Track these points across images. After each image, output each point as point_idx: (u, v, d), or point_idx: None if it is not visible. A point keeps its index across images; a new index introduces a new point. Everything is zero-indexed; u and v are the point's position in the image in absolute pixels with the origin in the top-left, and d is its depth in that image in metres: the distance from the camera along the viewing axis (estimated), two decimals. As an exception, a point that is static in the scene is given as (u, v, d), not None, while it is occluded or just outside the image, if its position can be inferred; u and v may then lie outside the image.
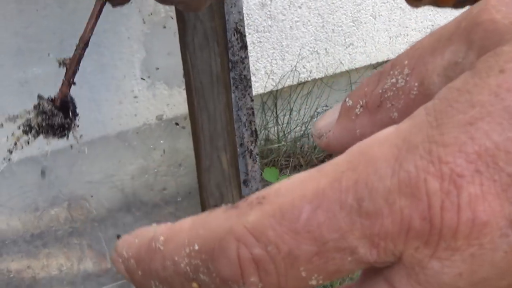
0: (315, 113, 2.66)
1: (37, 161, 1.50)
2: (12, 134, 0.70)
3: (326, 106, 2.71)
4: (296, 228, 0.28)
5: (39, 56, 1.39)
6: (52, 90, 1.45)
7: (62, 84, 0.67)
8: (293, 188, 0.30)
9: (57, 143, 1.53)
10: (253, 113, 1.39)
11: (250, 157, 1.39)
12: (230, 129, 1.40)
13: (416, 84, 0.32)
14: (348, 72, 2.71)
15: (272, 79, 2.30)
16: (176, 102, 1.60)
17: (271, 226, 0.28)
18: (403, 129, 0.28)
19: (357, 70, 2.74)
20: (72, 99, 0.70)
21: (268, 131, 2.48)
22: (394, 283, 0.29)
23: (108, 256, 1.58)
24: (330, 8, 2.38)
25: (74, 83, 0.67)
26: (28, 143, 0.66)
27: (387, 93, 0.34)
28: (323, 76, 2.50)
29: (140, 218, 1.65)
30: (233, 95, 1.37)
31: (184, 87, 1.55)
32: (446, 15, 2.85)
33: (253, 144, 1.38)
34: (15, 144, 0.69)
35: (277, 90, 2.41)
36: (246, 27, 1.48)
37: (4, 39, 1.35)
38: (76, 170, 1.55)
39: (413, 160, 0.27)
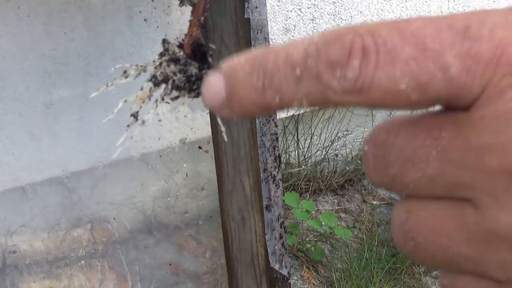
0: (336, 138, 2.66)
1: (60, 182, 1.51)
2: (141, 89, 0.60)
3: (347, 131, 2.71)
4: (404, 32, 0.32)
5: (65, 78, 1.40)
6: (76, 112, 1.46)
7: (190, 25, 0.55)
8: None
9: (80, 165, 1.54)
10: (277, 138, 1.39)
11: (273, 182, 1.39)
12: (254, 154, 1.40)
13: None
14: (369, 97, 2.71)
15: (294, 103, 2.30)
16: (199, 126, 1.61)
17: (385, 28, 0.32)
18: None
19: (378, 95, 2.74)
20: (206, 42, 0.58)
21: (289, 155, 2.48)
22: (472, 109, 0.32)
23: (129, 277, 1.58)
24: (353, 33, 2.38)
25: (203, 25, 0.55)
26: (163, 99, 0.57)
27: None
28: (345, 101, 2.49)
29: (161, 240, 1.66)
30: (257, 121, 1.37)
31: (207, 111, 1.55)
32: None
33: (277, 170, 1.38)
34: (143, 101, 0.58)
35: (298, 115, 2.41)
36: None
37: (31, 61, 1.36)
38: (98, 191, 1.55)
39: None
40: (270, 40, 2.16)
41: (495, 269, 0.33)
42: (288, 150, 2.49)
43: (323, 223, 2.17)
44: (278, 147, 1.40)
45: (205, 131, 1.60)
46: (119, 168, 1.57)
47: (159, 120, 1.55)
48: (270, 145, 1.39)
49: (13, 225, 1.46)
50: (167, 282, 1.64)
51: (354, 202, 2.61)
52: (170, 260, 1.65)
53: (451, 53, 0.31)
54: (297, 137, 2.50)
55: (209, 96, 0.38)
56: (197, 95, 0.61)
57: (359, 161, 2.77)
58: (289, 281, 1.45)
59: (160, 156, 1.56)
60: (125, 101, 0.58)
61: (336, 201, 2.58)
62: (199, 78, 0.58)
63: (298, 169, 2.49)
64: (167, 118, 1.58)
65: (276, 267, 1.42)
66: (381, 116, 2.86)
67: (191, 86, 0.58)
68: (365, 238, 2.31)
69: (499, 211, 0.31)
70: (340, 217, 2.48)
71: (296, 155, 2.52)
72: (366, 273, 2.08)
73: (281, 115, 2.31)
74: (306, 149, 2.55)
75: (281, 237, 1.42)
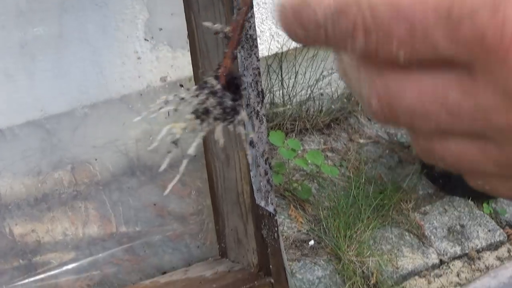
0: (321, 76, 2.63)
1: (39, 125, 1.48)
2: (184, 120, 0.61)
3: (332, 69, 2.68)
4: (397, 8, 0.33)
5: (41, 17, 1.37)
6: (53, 52, 1.43)
7: (224, 57, 0.58)
8: None
9: (59, 106, 1.51)
10: (259, 73, 1.36)
11: (257, 118, 1.36)
12: (236, 90, 1.38)
13: None
14: (354, 35, 2.67)
15: (277, 41, 2.26)
16: (180, 64, 1.58)
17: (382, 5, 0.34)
18: None
19: (363, 32, 2.70)
20: (238, 75, 0.60)
21: (273, 95, 2.45)
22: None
23: (114, 219, 1.56)
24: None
25: (236, 57, 0.58)
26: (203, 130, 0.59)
27: None
28: (329, 38, 2.45)
29: (145, 183, 1.64)
30: (238, 55, 1.34)
31: (188, 48, 1.52)
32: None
33: (260, 105, 1.35)
34: (183, 131, 0.61)
35: (282, 53, 2.37)
36: (251, -14, 1.45)
37: (5, -1, 1.32)
38: (79, 134, 1.53)
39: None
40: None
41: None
42: (272, 89, 2.46)
43: (309, 161, 2.15)
44: (261, 82, 1.37)
45: (187, 69, 1.57)
46: (100, 110, 1.54)
47: (138, 58, 1.51)
48: (252, 80, 1.35)
49: (-7, 169, 1.43)
50: (153, 224, 1.63)
51: (341, 141, 2.59)
52: (155, 202, 1.64)
53: (438, 33, 0.33)
54: (281, 76, 2.47)
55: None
56: (230, 124, 0.64)
57: (344, 100, 2.75)
58: (275, 218, 1.43)
59: (141, 95, 1.53)
60: (170, 128, 0.61)
61: (322, 140, 2.57)
62: (233, 109, 0.61)
63: (283, 108, 2.46)
64: (147, 57, 1.54)
65: (262, 204, 1.40)
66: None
67: (226, 117, 0.61)
68: (352, 176, 2.30)
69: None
70: (327, 156, 2.47)
71: (281, 94, 2.49)
72: (353, 210, 2.08)
73: (264, 53, 2.27)
74: (290, 88, 2.52)
75: (266, 174, 1.39)
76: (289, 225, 2.02)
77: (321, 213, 2.06)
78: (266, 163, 1.39)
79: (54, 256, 1.46)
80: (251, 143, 1.37)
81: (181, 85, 1.56)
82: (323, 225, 2.01)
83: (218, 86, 0.59)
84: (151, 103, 1.58)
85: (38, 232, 1.45)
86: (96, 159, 1.55)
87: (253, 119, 1.36)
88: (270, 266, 1.45)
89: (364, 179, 2.27)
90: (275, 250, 1.45)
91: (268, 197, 1.40)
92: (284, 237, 1.95)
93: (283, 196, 2.14)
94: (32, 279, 1.42)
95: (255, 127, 1.37)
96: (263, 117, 1.37)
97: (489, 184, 0.38)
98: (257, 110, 1.36)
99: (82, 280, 1.48)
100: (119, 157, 1.61)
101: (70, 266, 1.47)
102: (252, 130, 1.37)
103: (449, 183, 2.34)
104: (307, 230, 2.01)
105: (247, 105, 1.35)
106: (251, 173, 1.38)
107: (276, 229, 1.43)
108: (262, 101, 1.36)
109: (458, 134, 0.35)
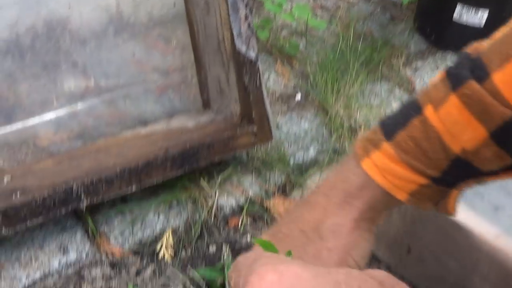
0: None
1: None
2: None
3: None
4: None
5: None
6: None
7: None
8: None
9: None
10: None
11: (235, -42, 1.30)
12: None
13: None
14: None
15: None
16: None
17: None
18: None
19: None
20: None
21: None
22: None
23: (93, 74, 1.53)
24: None
25: None
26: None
27: None
28: None
29: (127, 39, 1.60)
30: None
31: None
32: None
33: None
34: None
35: None
36: None
37: None
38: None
39: None
40: None
41: None
42: None
43: (296, 15, 2.09)
44: None
45: None
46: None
47: None
48: None
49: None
50: (135, 78, 1.59)
51: (331, -1, 2.53)
52: (138, 58, 1.60)
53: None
54: None
55: None
56: None
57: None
58: (257, 65, 1.39)
59: None
60: None
61: (311, -2, 2.50)
62: None
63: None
64: None
65: (243, 49, 1.36)
66: None
67: None
68: (341, 32, 2.25)
69: None
70: (316, 14, 2.41)
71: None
72: (341, 64, 2.03)
73: None
74: None
75: (246, 18, 1.35)
76: (276, 80, 1.98)
77: (309, 68, 2.02)
78: (246, 7, 1.34)
79: (31, 108, 1.44)
80: (230, -14, 1.31)
81: None
82: (310, 80, 1.98)
83: None
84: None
85: (14, 83, 1.42)
86: (74, 14, 1.50)
87: (231, -40, 1.30)
88: (253, 115, 1.42)
89: (354, 35, 2.22)
90: (257, 98, 1.42)
91: (249, 43, 1.36)
92: (270, 92, 1.91)
93: (269, 52, 2.09)
94: (8, 130, 1.40)
95: (233, -32, 1.31)
96: (241, -43, 1.31)
97: None
98: (235, -51, 1.30)
99: (62, 133, 1.46)
100: (99, 13, 1.56)
101: (48, 118, 1.45)
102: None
103: (442, 39, 2.29)
104: (294, 85, 1.97)
105: None
106: (231, 18, 1.34)
107: (258, 76, 1.40)
108: None
109: None
